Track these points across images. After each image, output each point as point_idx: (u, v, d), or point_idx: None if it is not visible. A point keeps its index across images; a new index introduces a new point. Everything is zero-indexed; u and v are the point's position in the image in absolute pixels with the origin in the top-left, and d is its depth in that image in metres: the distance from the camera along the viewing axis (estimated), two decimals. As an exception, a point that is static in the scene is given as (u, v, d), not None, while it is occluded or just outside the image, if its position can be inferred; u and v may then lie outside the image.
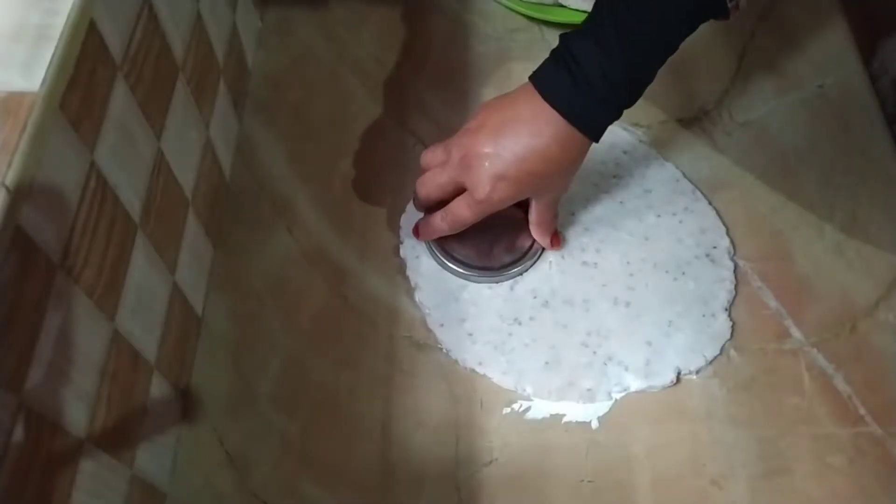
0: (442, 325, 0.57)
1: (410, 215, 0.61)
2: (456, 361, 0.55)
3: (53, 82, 0.36)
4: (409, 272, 0.59)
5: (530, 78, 0.52)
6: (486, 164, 0.52)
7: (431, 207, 0.57)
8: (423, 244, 0.60)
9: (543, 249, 0.59)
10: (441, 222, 0.56)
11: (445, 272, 0.59)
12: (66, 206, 0.38)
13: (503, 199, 0.53)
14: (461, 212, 0.55)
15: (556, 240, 0.59)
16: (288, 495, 0.51)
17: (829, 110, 0.67)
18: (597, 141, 0.52)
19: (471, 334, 0.56)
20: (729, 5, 0.49)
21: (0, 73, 0.36)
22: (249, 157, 0.65)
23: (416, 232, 0.59)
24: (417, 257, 0.60)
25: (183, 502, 0.51)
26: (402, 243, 0.61)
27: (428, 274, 0.59)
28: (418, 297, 0.58)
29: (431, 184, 0.56)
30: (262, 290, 0.59)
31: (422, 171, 0.57)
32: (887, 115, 0.66)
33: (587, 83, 0.49)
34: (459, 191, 0.55)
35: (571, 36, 0.51)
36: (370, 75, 0.70)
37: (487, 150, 0.52)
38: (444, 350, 0.56)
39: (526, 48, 0.72)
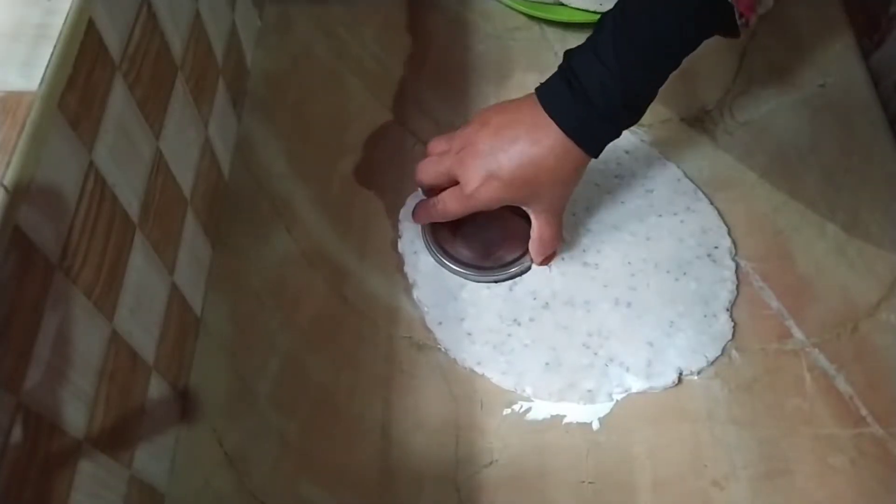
0: (440, 324, 0.56)
1: (409, 210, 0.61)
2: (455, 361, 0.55)
3: (52, 82, 0.36)
4: (406, 269, 0.59)
5: (536, 89, 0.53)
6: (481, 160, 0.52)
7: (433, 192, 0.58)
8: (422, 242, 0.60)
9: None
10: (432, 208, 0.57)
11: (444, 270, 0.59)
12: (65, 205, 0.38)
13: (491, 198, 0.53)
14: (450, 203, 0.55)
15: (549, 259, 0.59)
16: (287, 496, 0.51)
17: (831, 110, 0.67)
18: (595, 157, 0.52)
19: (469, 334, 0.56)
20: (739, 22, 0.49)
21: (-2, 73, 0.36)
22: (248, 156, 0.65)
23: (414, 214, 0.60)
24: (416, 253, 0.59)
25: (182, 503, 0.50)
26: (400, 237, 0.60)
27: (426, 271, 0.59)
28: (416, 294, 0.58)
29: (428, 170, 0.57)
30: (260, 290, 0.58)
31: (426, 157, 0.58)
32: (889, 117, 0.66)
33: (586, 98, 0.49)
34: (454, 182, 0.55)
35: (575, 50, 0.51)
36: (370, 74, 0.70)
37: (484, 147, 0.52)
38: (443, 349, 0.55)
39: (526, 47, 0.72)
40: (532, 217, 0.56)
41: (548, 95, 0.51)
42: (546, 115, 0.51)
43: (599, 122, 0.50)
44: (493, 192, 0.53)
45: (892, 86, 0.68)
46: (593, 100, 0.49)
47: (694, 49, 0.50)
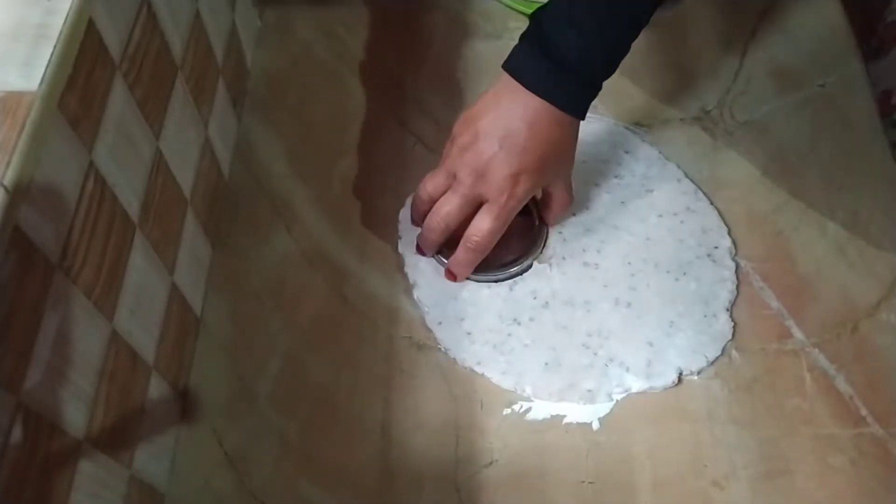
0: (440, 324, 0.56)
1: (409, 210, 0.61)
2: (454, 360, 0.55)
3: (52, 82, 0.36)
4: (407, 269, 0.59)
5: (509, 70, 0.53)
6: (499, 168, 0.52)
7: (441, 246, 0.58)
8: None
9: (541, 252, 0.59)
10: (468, 252, 0.55)
11: (442, 270, 0.59)
12: (65, 205, 0.38)
13: (527, 193, 0.54)
14: (485, 224, 0.54)
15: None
16: (287, 496, 0.51)
17: (831, 109, 0.66)
18: (584, 119, 0.54)
19: (469, 333, 0.56)
20: None
21: (-2, 73, 0.36)
22: (248, 156, 0.65)
23: (452, 275, 0.58)
24: (416, 253, 0.59)
25: (182, 503, 0.50)
26: (400, 238, 0.60)
27: (426, 271, 0.59)
28: (417, 294, 0.58)
29: (447, 210, 0.55)
30: (260, 290, 0.58)
31: (421, 200, 0.57)
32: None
33: (568, 68, 0.51)
34: (476, 210, 0.54)
35: (546, 20, 0.51)
36: (370, 75, 0.70)
37: (494, 155, 0.52)
38: (443, 349, 0.55)
39: (526, 47, 0.72)
40: (553, 189, 0.57)
41: (529, 76, 0.52)
42: (532, 95, 0.51)
43: (584, 87, 0.52)
44: (525, 185, 0.53)
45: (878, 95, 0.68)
46: (576, 69, 0.51)
47: (661, 3, 0.52)
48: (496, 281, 0.58)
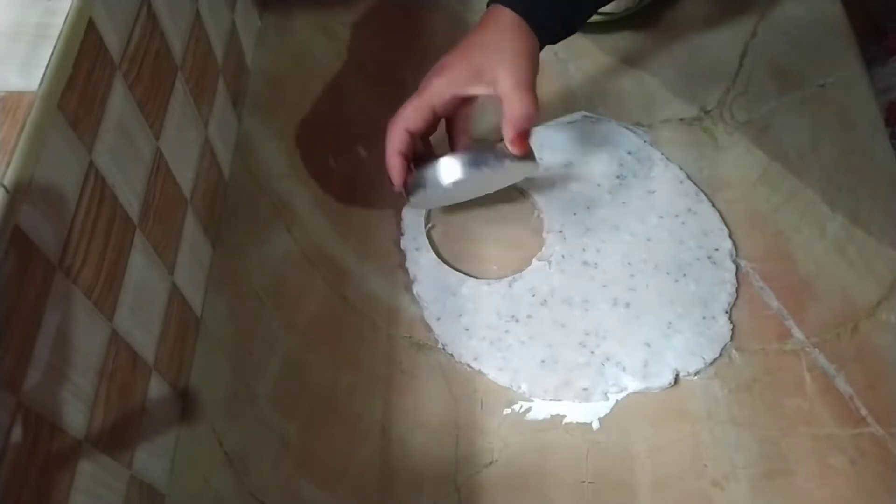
0: (439, 319, 0.56)
1: (412, 207, 0.61)
2: (452, 356, 0.55)
3: (52, 82, 0.36)
4: (408, 264, 0.59)
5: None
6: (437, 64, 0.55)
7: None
8: (424, 239, 0.60)
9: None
10: (391, 123, 0.57)
11: (444, 267, 0.59)
12: (65, 205, 0.38)
13: (441, 70, 0.54)
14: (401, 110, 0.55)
15: (522, 142, 0.53)
16: (287, 496, 0.51)
17: (831, 109, 0.67)
18: (542, 42, 0.53)
19: (467, 329, 0.56)
20: None
21: (-2, 73, 0.36)
22: (248, 156, 0.65)
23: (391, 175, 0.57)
24: (417, 249, 0.60)
25: (182, 503, 0.51)
26: (402, 235, 0.60)
27: (427, 268, 0.59)
28: (416, 289, 0.58)
29: (397, 112, 0.56)
30: (260, 290, 0.58)
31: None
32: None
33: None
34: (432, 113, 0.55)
35: None
36: (370, 75, 0.70)
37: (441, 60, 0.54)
38: (441, 345, 0.55)
39: (526, 47, 0.72)
40: (503, 96, 0.52)
41: None
42: (497, 7, 0.53)
43: (549, 13, 0.53)
44: (441, 67, 0.54)
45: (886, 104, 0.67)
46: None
47: None
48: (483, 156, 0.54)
